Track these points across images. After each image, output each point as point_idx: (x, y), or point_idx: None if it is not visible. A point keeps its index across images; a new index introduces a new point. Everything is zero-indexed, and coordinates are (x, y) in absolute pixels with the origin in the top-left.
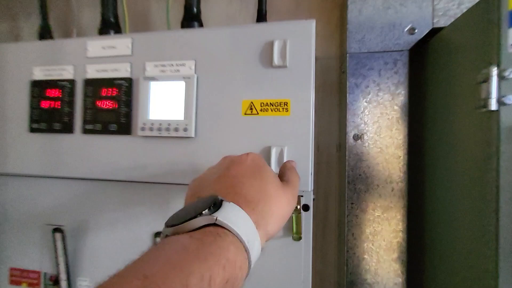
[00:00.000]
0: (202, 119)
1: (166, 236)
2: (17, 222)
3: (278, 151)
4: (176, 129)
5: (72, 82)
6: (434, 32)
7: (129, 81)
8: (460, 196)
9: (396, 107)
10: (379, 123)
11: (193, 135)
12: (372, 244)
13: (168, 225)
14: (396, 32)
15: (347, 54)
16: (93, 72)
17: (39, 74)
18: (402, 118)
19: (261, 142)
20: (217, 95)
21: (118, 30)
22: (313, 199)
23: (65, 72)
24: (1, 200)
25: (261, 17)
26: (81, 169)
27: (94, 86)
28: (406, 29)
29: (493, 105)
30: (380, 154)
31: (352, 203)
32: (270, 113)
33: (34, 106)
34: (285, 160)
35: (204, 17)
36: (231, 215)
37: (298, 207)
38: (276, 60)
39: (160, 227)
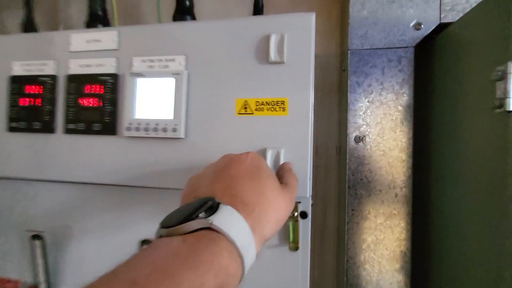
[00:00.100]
0: (193, 119)
1: (161, 236)
2: None
3: (274, 153)
4: (164, 130)
5: (53, 78)
6: (442, 27)
7: (114, 77)
8: (471, 203)
9: (400, 108)
10: (382, 124)
11: (182, 136)
12: (374, 254)
13: (162, 225)
14: (400, 27)
15: (349, 51)
16: (76, 67)
17: (19, 69)
18: (406, 119)
19: (256, 144)
20: (209, 93)
21: (106, 23)
22: (311, 205)
23: (46, 67)
24: None
25: (258, 10)
26: (63, 172)
27: (77, 82)
28: (411, 25)
29: (511, 105)
30: (383, 157)
31: (352, 210)
32: (265, 113)
33: (13, 104)
34: (281, 163)
35: (198, 12)
36: (227, 219)
37: (296, 214)
38: (273, 55)
39: (148, 234)
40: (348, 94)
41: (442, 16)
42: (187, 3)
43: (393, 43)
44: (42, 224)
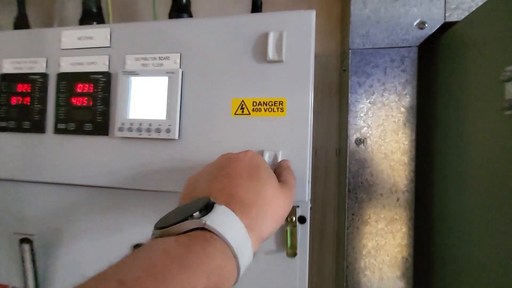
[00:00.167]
0: (187, 119)
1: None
2: None
3: (271, 156)
4: (157, 130)
5: (44, 76)
6: (446, 26)
7: (107, 75)
8: (477, 208)
9: (402, 109)
10: (384, 126)
11: (176, 137)
12: (375, 260)
13: (157, 227)
14: (404, 26)
15: (350, 50)
16: (68, 65)
17: (9, 67)
18: (409, 121)
19: (253, 145)
20: (204, 92)
21: (100, 21)
22: (310, 208)
23: (37, 65)
24: None
25: (256, 8)
26: (53, 173)
27: (68, 81)
28: (415, 24)
29: None
30: (384, 160)
31: (353, 214)
32: (263, 114)
33: (3, 103)
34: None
35: (195, 10)
36: (222, 219)
37: (294, 219)
38: (271, 54)
39: (141, 238)
40: (349, 95)
41: (447, 14)
42: (184, 0)
43: (396, 42)
44: (32, 227)
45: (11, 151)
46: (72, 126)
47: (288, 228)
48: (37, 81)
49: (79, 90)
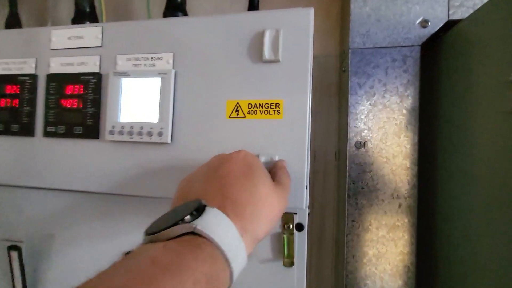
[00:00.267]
0: (180, 122)
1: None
2: None
3: (267, 160)
4: (149, 133)
5: (33, 77)
6: (450, 25)
7: (97, 76)
8: (483, 214)
9: (404, 111)
10: (385, 129)
11: (169, 141)
12: (376, 268)
13: (147, 232)
14: (406, 25)
15: (349, 50)
16: (58, 66)
17: None
18: (411, 124)
19: (248, 150)
20: (198, 94)
21: (94, 21)
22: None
23: (26, 66)
24: None
25: (253, 7)
26: (42, 178)
27: (58, 82)
28: (417, 22)
29: None
30: (386, 164)
31: (353, 221)
32: (259, 116)
33: None
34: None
35: (192, 10)
36: (213, 223)
37: (291, 226)
38: (267, 53)
39: (133, 244)
40: (349, 96)
41: (450, 12)
42: None
43: (397, 41)
44: (22, 233)
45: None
46: (61, 129)
47: (285, 236)
48: (26, 83)
49: (69, 92)
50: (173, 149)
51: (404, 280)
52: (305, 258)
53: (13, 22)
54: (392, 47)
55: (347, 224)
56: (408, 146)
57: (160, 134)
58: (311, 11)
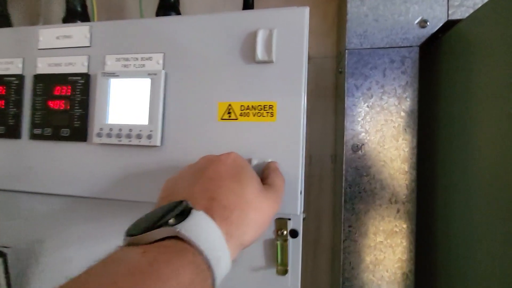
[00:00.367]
0: (170, 125)
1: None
2: None
3: (260, 162)
4: (138, 136)
5: (20, 77)
6: (450, 25)
7: (85, 77)
8: (485, 221)
9: (403, 113)
10: (383, 132)
11: (158, 144)
12: (373, 275)
13: (128, 233)
14: (404, 25)
15: (346, 51)
16: (45, 66)
17: None
18: (410, 126)
19: (240, 153)
20: (189, 95)
21: (85, 20)
22: (304, 218)
23: (13, 66)
24: None
25: (248, 6)
26: (29, 181)
27: (45, 83)
28: (416, 22)
29: None
30: (383, 168)
31: (349, 226)
32: (251, 118)
33: None
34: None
35: (186, 9)
36: (198, 227)
37: (285, 232)
38: (260, 53)
39: None
40: (345, 98)
41: (450, 12)
42: None
43: (395, 42)
44: (7, 238)
45: None
46: (48, 131)
47: (279, 243)
48: (13, 83)
49: (56, 93)
50: (163, 152)
51: None
52: (299, 266)
53: (3, 22)
54: (390, 47)
55: (343, 229)
56: (406, 150)
57: (149, 136)
58: (306, 10)
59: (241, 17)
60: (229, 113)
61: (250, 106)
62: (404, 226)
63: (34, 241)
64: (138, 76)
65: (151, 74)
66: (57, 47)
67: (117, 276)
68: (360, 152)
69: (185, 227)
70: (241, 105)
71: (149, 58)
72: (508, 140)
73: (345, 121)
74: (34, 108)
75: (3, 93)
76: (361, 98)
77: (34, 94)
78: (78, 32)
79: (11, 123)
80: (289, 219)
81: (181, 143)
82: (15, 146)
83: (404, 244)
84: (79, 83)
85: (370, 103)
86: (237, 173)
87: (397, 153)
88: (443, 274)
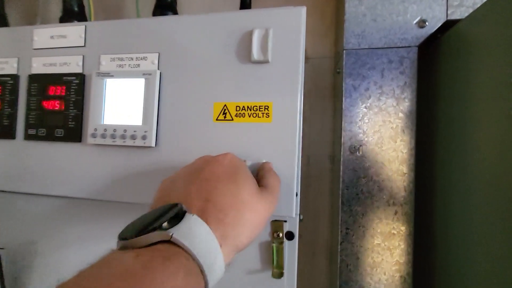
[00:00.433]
0: (165, 125)
1: (121, 248)
2: None
3: (254, 163)
4: (133, 137)
5: (15, 77)
6: (449, 25)
7: (80, 77)
8: (485, 223)
9: (401, 114)
10: (381, 133)
11: (153, 145)
12: (371, 278)
13: (120, 237)
14: (403, 25)
15: (344, 51)
16: (40, 66)
17: None
18: (408, 127)
19: (236, 154)
20: (184, 95)
21: (82, 20)
22: (301, 220)
23: (8, 66)
24: None
25: (245, 6)
26: (23, 182)
27: (39, 83)
28: (415, 22)
29: None
30: (381, 170)
31: (347, 228)
32: (247, 119)
33: None
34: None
35: (184, 9)
36: (191, 231)
37: (281, 235)
38: (256, 53)
39: None
40: (343, 98)
41: (449, 12)
42: None
43: (394, 42)
44: (2, 239)
45: None
46: (42, 131)
47: (274, 245)
48: (8, 83)
49: (51, 93)
50: (157, 153)
51: None
52: (295, 268)
53: (0, 22)
54: (388, 47)
55: (340, 231)
56: (404, 151)
57: (144, 137)
58: (303, 10)
59: (237, 16)
60: (224, 113)
61: (246, 107)
62: (402, 228)
63: (28, 242)
64: (132, 76)
65: (146, 74)
66: (52, 47)
67: (110, 279)
68: (357, 153)
69: (179, 231)
70: (237, 106)
71: (144, 58)
72: (508, 140)
73: (342, 122)
74: (28, 108)
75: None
76: (358, 99)
77: (29, 94)
78: (73, 32)
79: (6, 124)
80: (285, 221)
81: (175, 144)
82: (10, 147)
83: (402, 246)
84: (74, 83)
85: (368, 104)
86: (233, 173)
87: (395, 155)
88: (441, 277)
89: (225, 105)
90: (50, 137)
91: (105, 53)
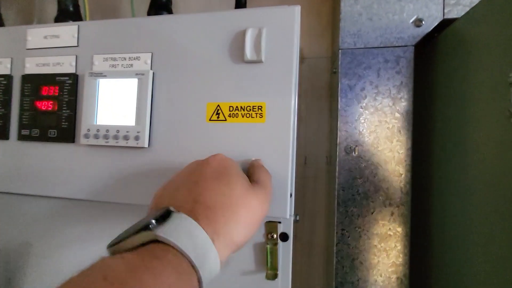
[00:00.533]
0: (158, 126)
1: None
2: None
3: (244, 163)
4: (125, 137)
5: (8, 78)
6: (445, 24)
7: (73, 77)
8: (482, 223)
9: (397, 114)
10: (377, 133)
11: (146, 145)
12: (367, 280)
13: (108, 245)
14: (399, 24)
15: (340, 50)
16: (33, 66)
17: None
18: (404, 128)
19: (229, 155)
20: (177, 96)
21: (77, 20)
22: (297, 220)
23: (1, 66)
24: None
25: (240, 6)
26: (17, 183)
27: (33, 83)
28: (411, 21)
29: None
30: (377, 170)
31: (342, 229)
32: (240, 120)
33: None
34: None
35: (181, 9)
36: (178, 227)
37: (275, 236)
38: (249, 53)
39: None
40: (339, 98)
41: (445, 11)
42: None
43: (390, 41)
44: None
45: None
46: (36, 132)
47: (268, 247)
48: (1, 84)
49: (44, 93)
50: (150, 154)
51: None
52: (290, 270)
53: None
54: (384, 47)
55: (336, 232)
56: (401, 152)
57: (136, 138)
58: (296, 9)
59: (230, 16)
60: (217, 114)
61: (239, 107)
62: (399, 229)
63: (21, 243)
64: (125, 76)
65: (139, 74)
66: (45, 47)
67: (94, 285)
68: (353, 153)
69: (164, 229)
70: (230, 106)
71: (137, 58)
72: (505, 140)
73: (338, 122)
74: (22, 109)
75: None
76: (354, 99)
77: (22, 94)
78: (66, 32)
79: (0, 124)
80: (279, 222)
81: (168, 145)
82: (3, 147)
83: (399, 248)
84: (67, 83)
85: (364, 104)
86: (223, 173)
87: (392, 155)
88: (438, 278)
89: (218, 105)
90: (43, 138)
91: (98, 53)
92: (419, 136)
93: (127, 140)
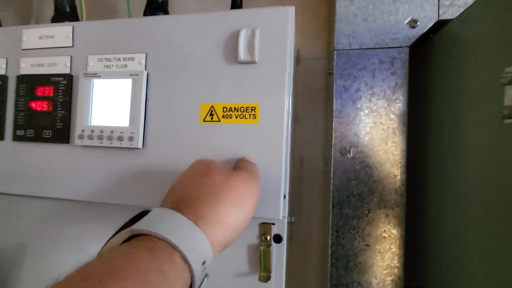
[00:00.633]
0: (152, 127)
1: None
2: None
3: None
4: (119, 138)
5: (3, 78)
6: (440, 25)
7: (68, 78)
8: (476, 225)
9: (392, 116)
10: (372, 135)
11: (140, 146)
12: (361, 282)
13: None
14: (394, 25)
15: (335, 51)
16: (28, 66)
17: None
18: (399, 129)
19: (222, 156)
20: (171, 96)
21: (74, 21)
22: (292, 222)
23: None
24: None
25: (236, 6)
26: (11, 183)
27: (28, 83)
28: (406, 22)
29: None
30: (372, 172)
31: (337, 231)
32: (234, 121)
33: None
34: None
35: (176, 10)
36: (155, 219)
37: (268, 237)
38: (242, 54)
39: None
40: (334, 99)
41: (440, 12)
42: None
43: (385, 42)
44: None
45: None
46: (30, 132)
47: (261, 248)
48: None
49: (39, 94)
50: (144, 154)
51: None
52: (283, 272)
53: None
54: (379, 48)
55: (331, 234)
56: (396, 153)
57: (131, 139)
58: (290, 10)
59: (224, 16)
60: (211, 114)
61: (233, 108)
62: (393, 231)
63: (16, 244)
64: (120, 76)
65: (133, 75)
66: (40, 47)
67: (74, 283)
68: (348, 155)
69: (141, 223)
70: (224, 107)
71: (132, 59)
72: (500, 141)
73: (333, 124)
74: (17, 109)
75: None
76: (349, 100)
77: (17, 95)
78: (61, 32)
79: None
80: (273, 223)
81: (162, 146)
82: None
83: (393, 250)
84: (62, 84)
85: (359, 105)
86: (204, 169)
87: (386, 157)
88: (433, 280)
89: (212, 106)
90: (38, 138)
91: (92, 54)
92: (414, 137)
93: (121, 141)
